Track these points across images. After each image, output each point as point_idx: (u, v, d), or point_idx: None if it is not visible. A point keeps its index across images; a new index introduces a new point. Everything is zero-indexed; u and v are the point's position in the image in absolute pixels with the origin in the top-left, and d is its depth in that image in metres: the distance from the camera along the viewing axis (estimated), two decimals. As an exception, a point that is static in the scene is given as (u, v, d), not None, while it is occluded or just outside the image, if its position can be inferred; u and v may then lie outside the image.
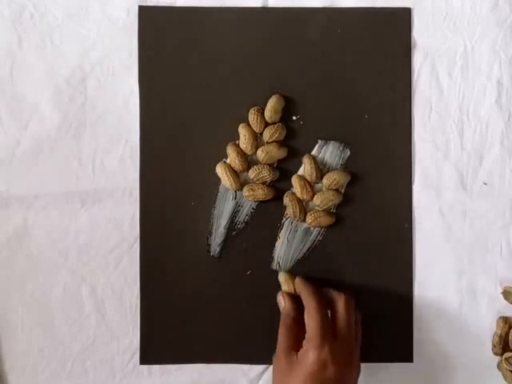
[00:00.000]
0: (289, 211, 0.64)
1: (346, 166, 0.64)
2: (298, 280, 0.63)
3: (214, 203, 0.64)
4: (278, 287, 0.64)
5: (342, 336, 0.58)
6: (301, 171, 0.64)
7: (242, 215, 0.64)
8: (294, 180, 0.64)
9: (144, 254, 0.64)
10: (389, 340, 0.65)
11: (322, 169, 0.64)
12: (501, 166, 0.65)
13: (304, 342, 0.58)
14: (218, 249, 0.64)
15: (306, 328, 0.58)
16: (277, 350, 0.59)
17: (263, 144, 0.64)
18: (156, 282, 0.64)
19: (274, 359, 0.60)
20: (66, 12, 0.64)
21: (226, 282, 0.64)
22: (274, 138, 0.63)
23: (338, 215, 0.64)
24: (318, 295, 0.59)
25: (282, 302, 0.62)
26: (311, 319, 0.58)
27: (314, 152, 0.64)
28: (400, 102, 0.65)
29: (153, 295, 0.64)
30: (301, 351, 0.58)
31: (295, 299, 0.62)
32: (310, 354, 0.56)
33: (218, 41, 0.64)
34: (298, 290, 0.62)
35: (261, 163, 0.63)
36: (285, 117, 0.64)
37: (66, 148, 0.64)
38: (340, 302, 0.59)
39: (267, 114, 0.63)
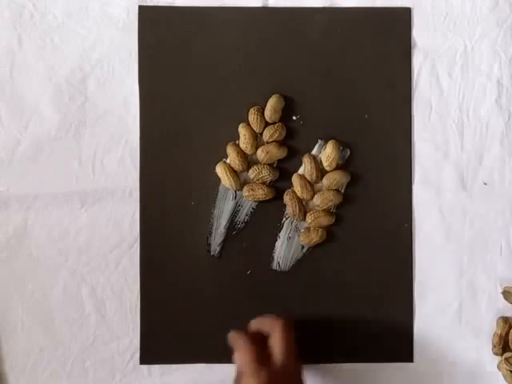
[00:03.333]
0: (288, 210, 0.64)
1: (346, 166, 0.64)
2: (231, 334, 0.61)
3: (214, 203, 0.64)
4: (278, 287, 0.64)
5: (280, 362, 0.57)
6: (301, 171, 0.64)
7: (242, 215, 0.64)
8: (295, 179, 0.63)
9: (144, 253, 0.64)
10: (389, 340, 0.65)
11: (321, 168, 0.64)
12: (501, 166, 0.65)
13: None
14: (218, 249, 0.64)
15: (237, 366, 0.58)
16: None
17: (263, 144, 0.64)
18: (156, 281, 0.64)
19: None
20: (66, 12, 0.64)
21: (225, 281, 0.64)
22: (274, 137, 0.63)
23: (338, 215, 0.64)
24: (245, 336, 0.59)
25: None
26: (240, 356, 0.57)
27: (313, 152, 0.64)
28: (400, 102, 0.65)
29: (153, 295, 0.64)
30: None
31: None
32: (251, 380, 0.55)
33: (218, 41, 0.64)
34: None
35: (261, 163, 0.63)
36: (285, 117, 0.64)
37: (65, 148, 0.64)
38: (277, 328, 0.58)
39: (267, 113, 0.63)
